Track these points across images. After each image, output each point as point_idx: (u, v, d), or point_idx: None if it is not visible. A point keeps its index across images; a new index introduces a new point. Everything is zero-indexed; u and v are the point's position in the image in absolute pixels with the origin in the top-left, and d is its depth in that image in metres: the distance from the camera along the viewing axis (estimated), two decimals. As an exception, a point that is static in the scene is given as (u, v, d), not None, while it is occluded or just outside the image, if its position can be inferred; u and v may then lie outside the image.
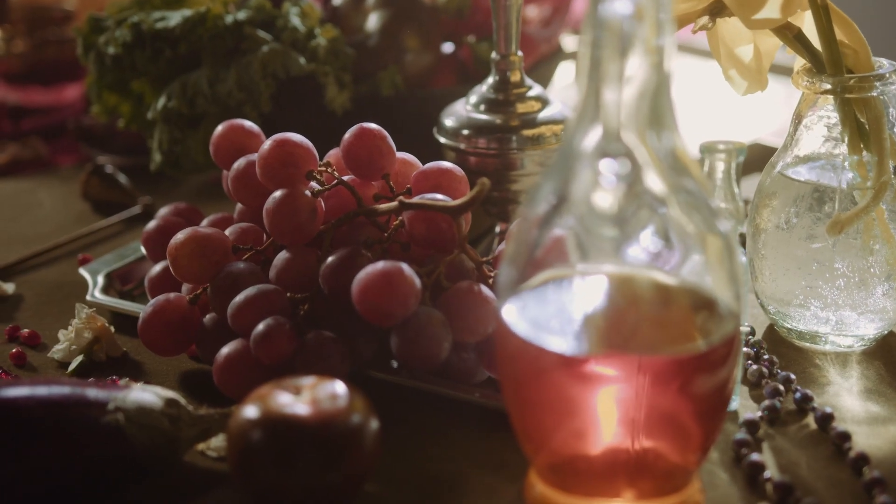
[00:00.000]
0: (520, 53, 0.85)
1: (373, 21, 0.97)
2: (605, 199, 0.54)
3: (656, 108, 0.55)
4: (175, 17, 0.91)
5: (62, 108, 1.23)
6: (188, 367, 0.77)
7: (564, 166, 0.57)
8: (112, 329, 0.79)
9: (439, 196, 0.71)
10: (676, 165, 0.55)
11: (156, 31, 0.91)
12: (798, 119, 0.75)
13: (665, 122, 0.55)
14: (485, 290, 0.70)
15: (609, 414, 0.57)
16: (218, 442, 0.67)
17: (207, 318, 0.74)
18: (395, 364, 0.74)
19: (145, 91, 0.96)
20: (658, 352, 0.56)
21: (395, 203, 0.71)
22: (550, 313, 0.58)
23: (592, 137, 0.55)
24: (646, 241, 0.56)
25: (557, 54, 1.06)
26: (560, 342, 0.56)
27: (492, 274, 0.72)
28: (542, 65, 1.04)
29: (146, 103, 0.96)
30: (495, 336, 0.60)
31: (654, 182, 0.55)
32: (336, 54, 0.93)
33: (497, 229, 0.89)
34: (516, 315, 0.58)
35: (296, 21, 0.92)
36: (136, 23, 0.92)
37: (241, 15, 0.91)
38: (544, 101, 0.85)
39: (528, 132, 0.84)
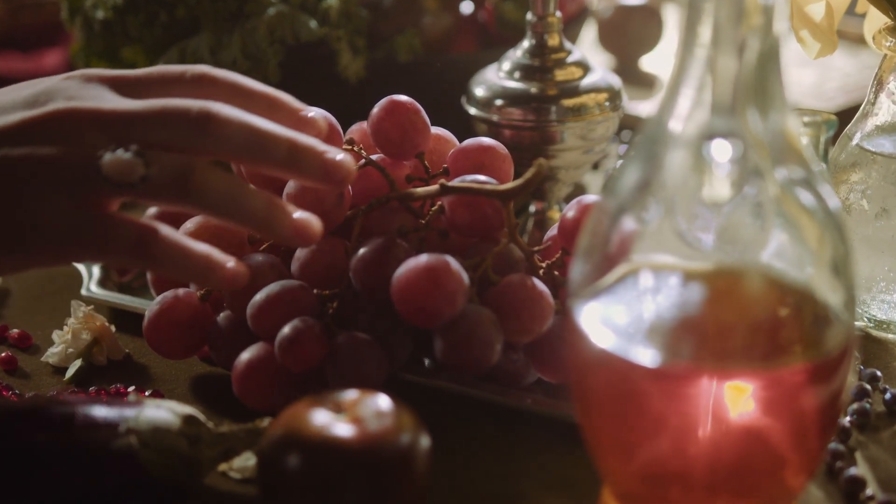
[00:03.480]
0: (558, 14, 0.76)
1: (387, -20, 0.89)
2: (713, 186, 0.46)
3: (763, 81, 0.47)
4: (171, -23, 0.82)
5: (43, 76, 1.13)
6: (199, 370, 0.69)
7: (653, 148, 0.49)
8: (113, 329, 0.70)
9: (482, 177, 0.63)
10: (785, 149, 0.47)
11: (150, -8, 0.82)
12: (879, 84, 0.68)
13: (773, 98, 0.47)
14: (538, 283, 0.62)
15: (704, 432, 0.49)
16: (242, 462, 0.59)
17: (221, 316, 0.66)
18: (427, 363, 0.66)
19: (138, 59, 0.87)
20: (761, 363, 0.48)
21: (435, 187, 0.63)
22: (634, 317, 0.50)
23: (694, 116, 0.47)
24: (751, 236, 0.48)
25: (584, 14, 0.97)
26: (647, 352, 0.48)
27: (543, 265, 0.64)
28: (569, 26, 0.96)
29: (139, 73, 0.88)
30: (567, 342, 0.52)
31: (764, 168, 0.47)
32: (349, 17, 0.84)
33: (532, 209, 0.81)
34: (594, 319, 0.50)
35: (305, -20, 0.83)
36: (128, -16, 0.83)
37: (245, -26, 0.82)
38: (586, 68, 0.77)
39: (568, 102, 0.76)
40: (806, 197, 0.48)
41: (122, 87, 0.59)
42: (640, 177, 0.49)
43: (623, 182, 0.50)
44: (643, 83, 1.13)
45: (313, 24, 0.82)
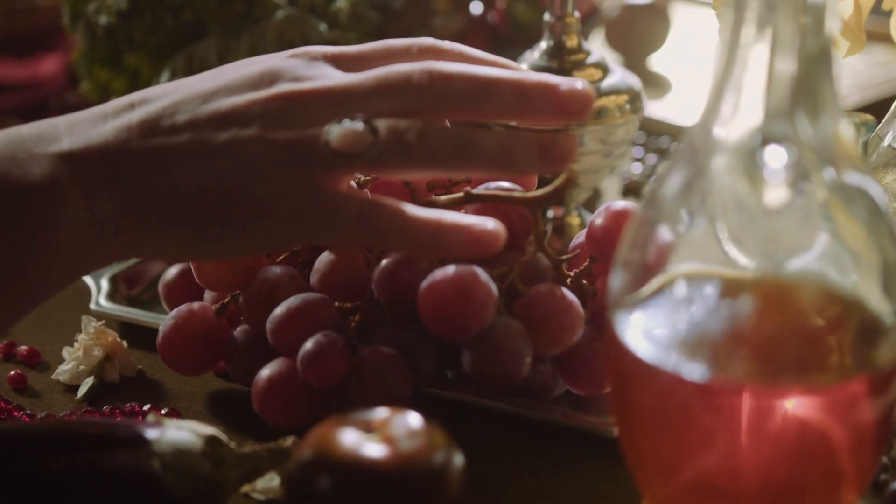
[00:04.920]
0: (577, 14, 0.74)
1: (397, -19, 0.87)
2: (763, 192, 0.44)
3: (813, 83, 0.45)
4: (177, -19, 0.80)
5: (41, 83, 1.11)
6: (215, 386, 0.67)
7: (697, 154, 0.47)
8: (125, 344, 0.68)
9: (507, 184, 0.61)
10: (836, 153, 0.46)
11: (156, -4, 0.80)
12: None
13: (824, 101, 0.45)
14: (567, 293, 0.60)
15: (753, 448, 0.47)
16: (265, 483, 0.57)
17: (238, 331, 0.64)
18: (450, 375, 0.64)
19: (141, 65, 0.85)
20: (813, 376, 0.46)
21: (460, 194, 0.61)
22: (679, 329, 0.48)
23: (740, 121, 0.45)
24: (799, 244, 0.46)
25: (594, 14, 0.96)
26: (694, 366, 0.46)
27: (570, 274, 0.62)
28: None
29: (143, 79, 0.85)
30: (608, 355, 0.50)
31: (813, 172, 0.45)
32: (358, 19, 0.82)
33: (550, 214, 0.79)
34: (636, 331, 0.48)
35: (313, -18, 0.81)
36: (133, -12, 0.81)
37: (252, -24, 0.80)
38: (605, 69, 0.75)
39: (588, 105, 0.74)
40: (856, 202, 0.47)
41: (347, 63, 0.58)
42: (683, 184, 0.48)
43: (665, 190, 0.48)
44: (651, 83, 1.11)
45: (323, 27, 0.80)
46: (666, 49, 1.15)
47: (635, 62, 1.15)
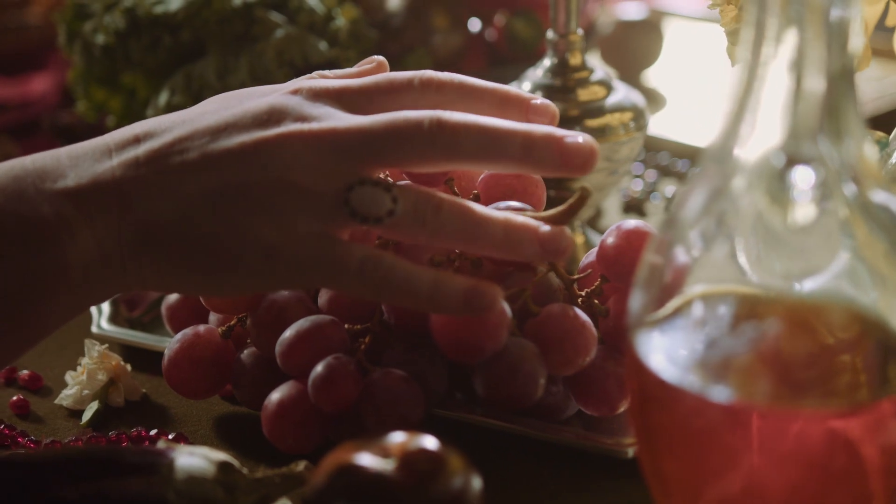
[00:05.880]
0: (580, 32, 0.74)
1: (395, -1, 0.86)
2: (787, 213, 0.44)
3: (836, 101, 0.45)
4: (175, 0, 0.79)
5: (32, 102, 1.10)
6: (221, 409, 0.66)
7: (717, 174, 0.47)
8: (129, 368, 0.67)
9: (517, 204, 0.61)
10: (860, 173, 0.45)
11: (154, 16, 0.79)
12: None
13: (847, 121, 0.45)
14: (580, 314, 0.59)
15: (777, 472, 0.47)
16: (277, 508, 0.57)
17: (245, 353, 0.63)
18: (459, 396, 0.63)
19: (138, 84, 0.84)
20: (840, 398, 0.46)
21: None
22: (702, 350, 0.47)
23: (762, 140, 0.45)
24: (822, 263, 0.46)
25: (591, 30, 0.95)
26: (719, 387, 0.46)
27: (581, 293, 0.61)
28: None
29: (140, 98, 0.85)
30: (629, 376, 0.50)
31: (837, 192, 0.45)
32: (358, 38, 0.82)
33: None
34: (659, 352, 0.48)
35: (312, 1, 0.81)
36: (131, 7, 0.80)
37: (250, -5, 0.80)
38: (609, 87, 0.75)
39: (592, 122, 0.74)
40: (877, 220, 0.46)
41: (351, 100, 0.58)
42: (703, 205, 0.47)
43: (685, 210, 0.48)
44: (646, 98, 1.11)
45: (323, 45, 0.80)
46: (660, 64, 1.15)
47: (629, 78, 1.15)
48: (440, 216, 0.56)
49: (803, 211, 0.44)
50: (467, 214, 0.56)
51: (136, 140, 0.57)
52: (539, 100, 0.60)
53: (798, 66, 0.43)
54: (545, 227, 0.56)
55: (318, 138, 0.56)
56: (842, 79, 0.44)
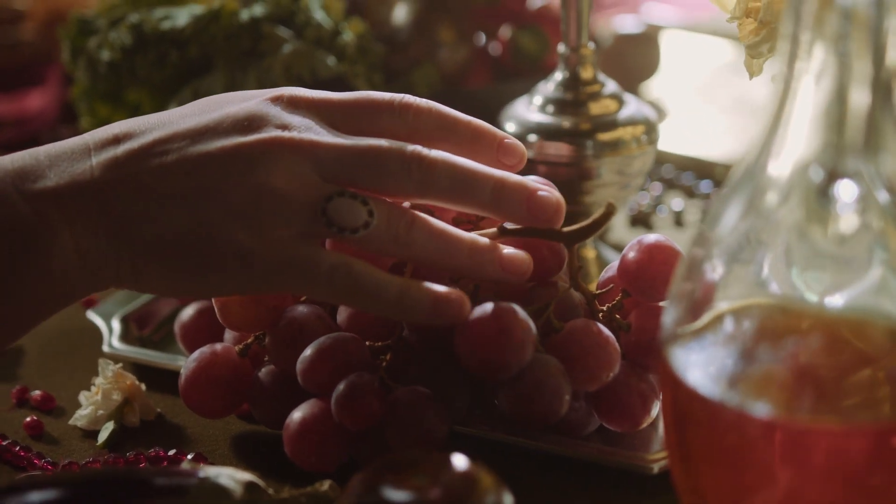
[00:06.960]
0: (591, 45, 0.74)
1: (401, 12, 0.86)
2: (829, 228, 0.44)
3: (873, 114, 0.44)
4: (182, 16, 0.79)
5: (29, 118, 1.09)
6: (238, 428, 0.65)
7: (752, 188, 0.46)
8: (143, 387, 0.66)
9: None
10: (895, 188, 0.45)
11: (161, 31, 0.79)
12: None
13: (885, 133, 0.45)
14: (603, 329, 0.59)
15: (816, 488, 0.47)
16: (302, 528, 0.56)
17: (263, 372, 0.62)
18: (478, 412, 0.63)
19: (143, 100, 0.84)
20: (877, 414, 0.46)
21: (493, 230, 0.60)
22: (738, 365, 0.47)
23: (797, 154, 0.45)
24: (859, 276, 0.46)
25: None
26: (759, 403, 0.46)
27: (603, 308, 0.61)
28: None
29: (144, 114, 0.84)
30: (664, 391, 0.49)
31: (874, 204, 0.45)
32: (365, 52, 0.82)
33: (566, 247, 0.78)
34: (694, 367, 0.47)
35: (319, 15, 0.80)
36: (137, 23, 0.79)
37: (258, 10, 0.79)
38: (621, 101, 0.75)
39: (604, 136, 0.73)
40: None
41: (331, 114, 0.59)
42: (737, 219, 0.47)
43: (719, 225, 0.47)
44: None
45: (331, 60, 0.79)
46: (658, 77, 1.15)
47: (627, 91, 1.15)
48: (412, 232, 0.57)
49: (846, 224, 0.43)
50: (437, 233, 0.57)
51: (116, 140, 0.57)
52: (510, 140, 0.61)
53: (841, 80, 0.43)
54: (508, 250, 0.58)
55: (299, 148, 0.56)
56: (881, 91, 0.44)
